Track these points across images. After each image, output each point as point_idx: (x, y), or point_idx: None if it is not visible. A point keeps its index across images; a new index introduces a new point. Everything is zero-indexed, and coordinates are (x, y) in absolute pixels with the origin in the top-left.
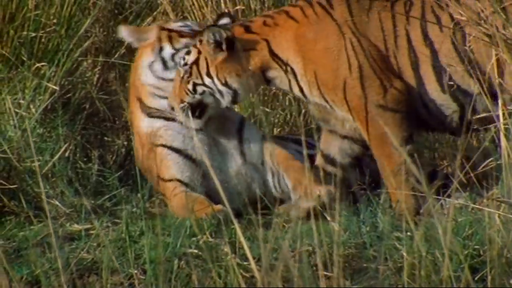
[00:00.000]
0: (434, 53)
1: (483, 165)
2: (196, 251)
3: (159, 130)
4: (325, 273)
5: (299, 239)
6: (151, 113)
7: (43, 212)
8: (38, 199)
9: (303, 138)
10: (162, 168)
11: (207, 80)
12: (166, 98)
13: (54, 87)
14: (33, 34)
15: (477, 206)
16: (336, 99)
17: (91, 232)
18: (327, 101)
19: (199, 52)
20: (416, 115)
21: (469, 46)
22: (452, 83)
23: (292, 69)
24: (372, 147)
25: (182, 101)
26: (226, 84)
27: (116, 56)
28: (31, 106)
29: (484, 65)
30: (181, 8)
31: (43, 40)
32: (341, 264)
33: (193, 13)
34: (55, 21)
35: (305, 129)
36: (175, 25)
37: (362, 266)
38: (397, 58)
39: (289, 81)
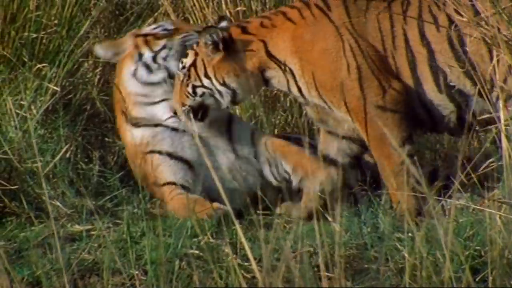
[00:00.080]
0: (431, 53)
1: (484, 166)
2: (197, 251)
3: (147, 138)
4: (327, 274)
5: (300, 239)
6: (138, 123)
7: (44, 213)
8: (39, 200)
9: (304, 138)
10: (155, 174)
11: (205, 81)
12: (153, 104)
13: (55, 88)
14: (34, 35)
15: (478, 207)
16: (335, 100)
17: (92, 232)
18: (325, 102)
19: (196, 54)
20: (415, 115)
21: (469, 47)
22: (448, 83)
23: (290, 69)
24: (372, 148)
25: (183, 105)
26: (224, 84)
27: None
28: (32, 107)
29: (483, 66)
30: (182, 9)
31: (44, 41)
32: (342, 265)
33: (194, 14)
34: (56, 22)
35: (305, 131)
36: (149, 29)
37: (363, 267)
38: (395, 58)
39: (288, 81)
